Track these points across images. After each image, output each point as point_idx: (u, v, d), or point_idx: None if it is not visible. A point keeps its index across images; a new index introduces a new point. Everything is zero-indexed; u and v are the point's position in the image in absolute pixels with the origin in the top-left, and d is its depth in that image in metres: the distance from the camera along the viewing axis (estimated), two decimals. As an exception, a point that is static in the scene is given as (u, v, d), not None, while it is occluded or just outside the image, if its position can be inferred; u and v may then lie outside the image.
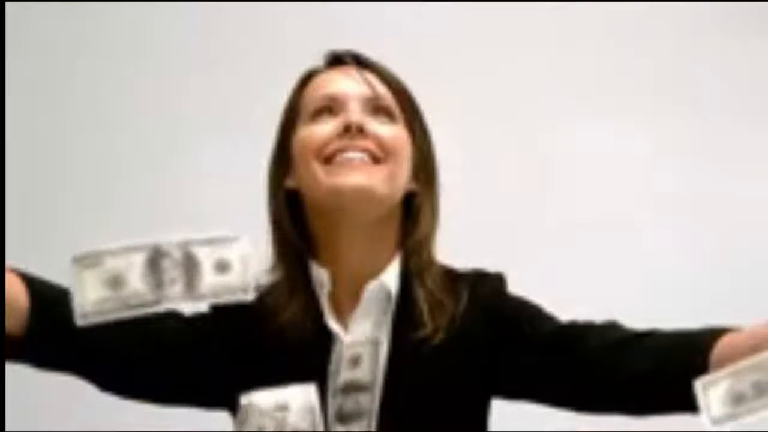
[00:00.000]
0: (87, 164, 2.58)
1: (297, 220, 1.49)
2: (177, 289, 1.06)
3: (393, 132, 1.48)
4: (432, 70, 2.37)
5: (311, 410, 1.11)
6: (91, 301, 1.05)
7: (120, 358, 1.40)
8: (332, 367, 1.41)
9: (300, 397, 1.11)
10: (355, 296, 1.45)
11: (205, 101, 2.59)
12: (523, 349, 1.43)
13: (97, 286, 1.05)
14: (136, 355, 1.41)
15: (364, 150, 1.45)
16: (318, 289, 1.46)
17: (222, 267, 1.07)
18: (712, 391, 1.04)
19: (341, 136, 1.45)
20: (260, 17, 2.62)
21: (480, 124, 2.59)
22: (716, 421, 1.03)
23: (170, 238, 1.06)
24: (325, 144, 1.45)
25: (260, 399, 1.11)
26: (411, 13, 2.62)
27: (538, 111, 2.62)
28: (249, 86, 2.54)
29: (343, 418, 1.39)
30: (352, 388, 1.38)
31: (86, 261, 1.05)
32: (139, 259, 1.06)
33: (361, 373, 1.38)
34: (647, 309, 1.74)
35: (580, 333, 1.42)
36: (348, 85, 1.50)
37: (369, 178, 1.43)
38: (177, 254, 1.06)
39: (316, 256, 1.48)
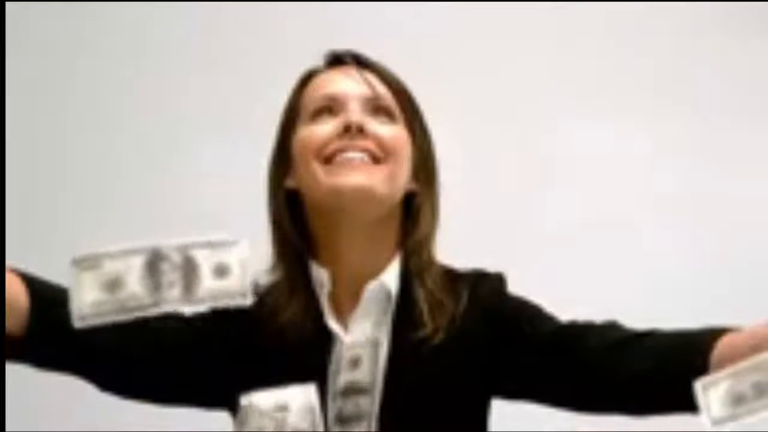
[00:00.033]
0: (87, 164, 2.58)
1: (297, 220, 1.49)
2: (175, 292, 1.06)
3: (393, 132, 1.48)
4: (432, 70, 2.37)
5: (311, 410, 1.11)
6: (88, 303, 1.05)
7: (120, 358, 1.40)
8: (332, 368, 1.41)
9: (300, 397, 1.11)
10: (355, 296, 1.45)
11: (205, 101, 2.59)
12: (523, 349, 1.43)
13: (95, 289, 1.05)
14: (136, 355, 1.41)
15: (364, 150, 1.45)
16: (318, 289, 1.46)
17: (221, 271, 1.07)
18: (712, 391, 1.04)
19: (341, 136, 1.45)
20: (260, 17, 2.62)
21: (480, 124, 2.59)
22: (716, 422, 1.03)
23: (170, 241, 1.06)
24: (325, 144, 1.45)
25: (260, 399, 1.11)
26: (411, 13, 2.62)
27: (538, 111, 2.62)
28: (249, 86, 2.54)
29: (343, 420, 1.39)
30: (352, 390, 1.38)
31: (85, 263, 1.05)
32: (137, 262, 1.05)
33: (361, 375, 1.38)
34: (647, 309, 1.74)
35: (580, 333, 1.42)
36: (348, 85, 1.50)
37: (369, 178, 1.43)
38: (176, 257, 1.06)
39: (316, 256, 1.48)
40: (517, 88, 2.61)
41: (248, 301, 1.08)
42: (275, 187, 1.51)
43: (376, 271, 1.46)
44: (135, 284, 1.05)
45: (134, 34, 2.63)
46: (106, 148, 2.58)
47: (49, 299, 1.31)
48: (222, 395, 1.40)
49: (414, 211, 1.50)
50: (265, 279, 1.49)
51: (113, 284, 1.05)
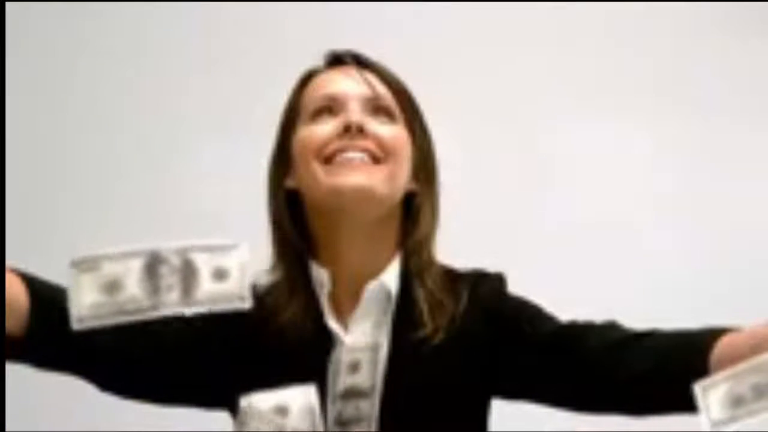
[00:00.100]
0: (87, 164, 2.58)
1: (297, 220, 1.49)
2: (174, 295, 1.05)
3: (393, 132, 1.48)
4: (432, 70, 2.37)
5: (311, 411, 1.11)
6: (87, 306, 1.05)
7: (120, 358, 1.40)
8: (332, 368, 1.41)
9: (300, 398, 1.11)
10: (355, 296, 1.45)
11: (205, 101, 2.59)
12: (523, 349, 1.43)
13: (93, 291, 1.05)
14: (136, 355, 1.41)
15: (364, 150, 1.45)
16: (318, 289, 1.46)
17: (220, 275, 1.06)
18: (711, 393, 1.04)
19: (341, 136, 1.45)
20: (260, 17, 2.62)
21: (480, 124, 2.59)
22: (716, 424, 1.03)
23: (169, 244, 1.06)
24: (325, 144, 1.45)
25: (260, 400, 1.11)
26: (411, 13, 2.62)
27: (538, 111, 2.62)
28: (249, 86, 2.54)
29: (343, 422, 1.39)
30: (352, 394, 1.38)
31: (84, 265, 1.05)
32: (137, 265, 1.05)
33: (361, 379, 1.38)
34: (647, 309, 1.74)
35: (580, 333, 1.42)
36: (348, 85, 1.50)
37: (369, 178, 1.43)
38: (175, 261, 1.06)
39: (316, 256, 1.48)
40: (517, 88, 2.61)
41: (247, 304, 1.08)
42: (275, 187, 1.51)
43: (376, 271, 1.46)
44: (134, 287, 1.05)
45: (134, 34, 2.63)
46: (106, 148, 2.58)
47: (49, 299, 1.31)
48: (222, 395, 1.40)
49: (414, 211, 1.50)
50: (265, 279, 1.49)
51: (112, 286, 1.05)
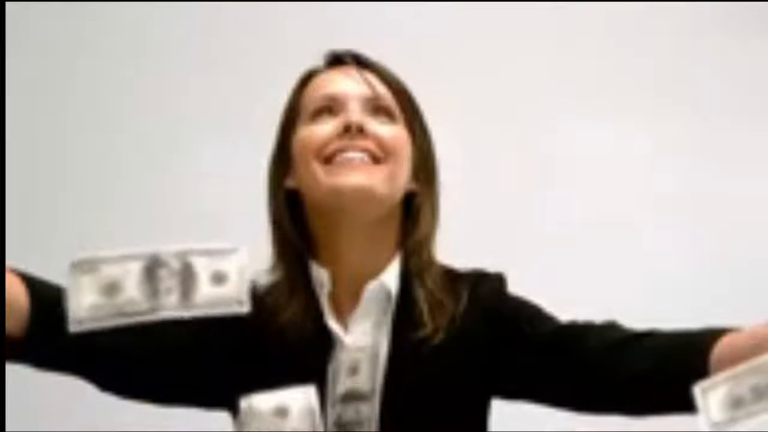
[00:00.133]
0: (87, 164, 2.58)
1: (297, 220, 1.49)
2: (172, 299, 1.05)
3: (393, 132, 1.48)
4: (432, 70, 2.37)
5: (311, 413, 1.10)
6: (85, 307, 1.04)
7: (120, 358, 1.40)
8: (331, 367, 1.41)
9: (300, 399, 1.11)
10: (355, 296, 1.45)
11: (205, 101, 2.59)
12: (523, 349, 1.43)
13: (92, 292, 1.04)
14: (135, 355, 1.41)
15: (364, 150, 1.45)
16: (318, 289, 1.46)
17: (219, 278, 1.06)
18: (710, 395, 1.04)
19: (341, 136, 1.45)
20: (260, 17, 2.62)
21: (480, 124, 2.59)
22: (715, 425, 1.03)
23: (169, 247, 1.06)
24: (325, 144, 1.45)
25: (260, 401, 1.10)
26: (411, 13, 2.62)
27: (538, 111, 2.62)
28: (249, 86, 2.54)
29: (343, 425, 1.39)
30: (352, 396, 1.38)
31: (84, 267, 1.05)
32: (136, 267, 1.05)
33: (361, 382, 1.38)
34: (647, 309, 1.74)
35: (579, 333, 1.42)
36: (348, 85, 1.50)
37: (369, 178, 1.43)
38: (175, 264, 1.05)
39: (316, 256, 1.48)
40: (517, 88, 2.61)
41: (245, 309, 1.08)
42: (275, 187, 1.51)
43: (376, 271, 1.46)
44: (132, 289, 1.05)
45: (134, 34, 2.63)
46: (106, 148, 2.58)
47: (49, 300, 1.31)
48: (222, 395, 1.40)
49: (414, 211, 1.50)
50: (265, 279, 1.49)
51: (111, 289, 1.05)
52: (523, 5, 2.64)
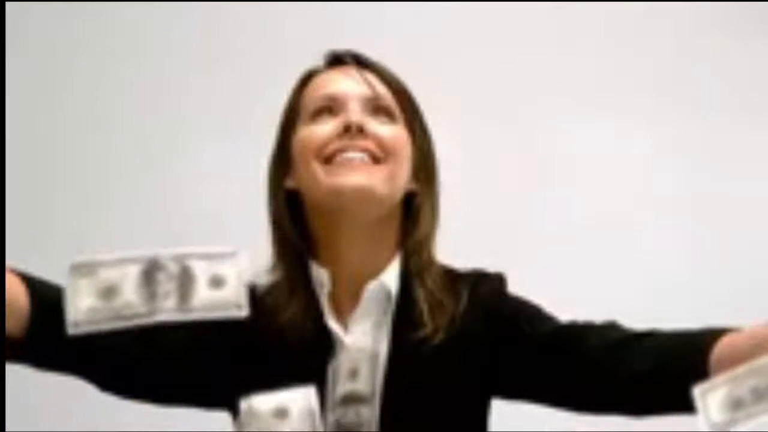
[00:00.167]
0: (87, 164, 2.58)
1: (297, 220, 1.49)
2: (170, 302, 1.05)
3: (393, 132, 1.48)
4: (432, 70, 2.37)
5: (311, 414, 1.10)
6: (82, 311, 1.04)
7: (120, 358, 1.40)
8: (331, 368, 1.41)
9: (300, 400, 1.11)
10: (355, 296, 1.45)
11: (205, 101, 2.59)
12: (523, 349, 1.43)
13: (90, 295, 1.04)
14: (135, 355, 1.40)
15: (364, 150, 1.45)
16: (318, 289, 1.46)
17: (217, 283, 1.06)
18: (710, 397, 1.03)
19: (341, 136, 1.45)
20: (260, 17, 2.62)
21: (480, 124, 2.59)
22: (715, 426, 1.03)
23: (167, 250, 1.05)
24: (325, 144, 1.45)
25: (260, 402, 1.10)
26: (411, 13, 2.62)
27: (538, 111, 2.62)
28: (249, 86, 2.54)
29: (343, 427, 1.38)
30: (352, 399, 1.38)
31: (82, 270, 1.05)
32: (134, 271, 1.05)
33: (360, 385, 1.38)
34: (647, 309, 1.74)
35: (579, 333, 1.42)
36: (348, 85, 1.50)
37: (369, 178, 1.43)
38: (173, 267, 1.05)
39: (316, 256, 1.48)
40: (517, 88, 2.61)
41: (243, 313, 1.08)
42: (275, 187, 1.51)
43: (376, 271, 1.46)
44: (130, 293, 1.05)
45: (134, 34, 2.63)
46: (106, 148, 2.58)
47: (49, 300, 1.31)
48: (222, 395, 1.40)
49: (414, 211, 1.50)
50: (265, 279, 1.49)
51: (109, 292, 1.05)
52: (523, 5, 2.64)
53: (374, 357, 1.39)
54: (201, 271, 1.05)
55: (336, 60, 1.54)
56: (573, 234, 2.55)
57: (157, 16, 2.62)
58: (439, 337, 1.42)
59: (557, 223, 2.56)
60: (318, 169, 1.45)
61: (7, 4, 2.49)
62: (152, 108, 2.59)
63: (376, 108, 1.49)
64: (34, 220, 2.51)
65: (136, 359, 1.41)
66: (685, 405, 1.11)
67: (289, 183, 1.50)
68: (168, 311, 1.04)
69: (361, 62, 1.52)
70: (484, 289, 1.48)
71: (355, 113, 1.46)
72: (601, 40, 2.66)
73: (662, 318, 1.41)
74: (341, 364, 1.39)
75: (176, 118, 2.59)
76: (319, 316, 1.45)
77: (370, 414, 1.38)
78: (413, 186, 1.50)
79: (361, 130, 1.45)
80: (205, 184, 2.55)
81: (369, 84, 1.49)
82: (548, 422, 1.78)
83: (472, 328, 1.44)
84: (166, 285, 1.04)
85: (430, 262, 1.49)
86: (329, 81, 1.51)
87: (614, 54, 2.65)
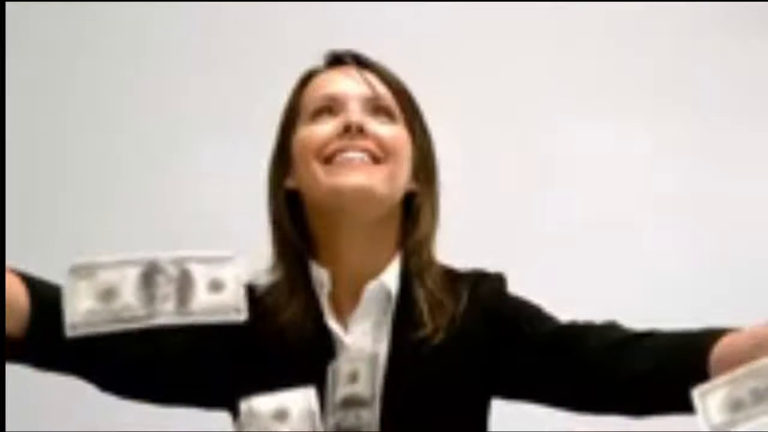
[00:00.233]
0: (87, 164, 2.58)
1: (297, 220, 1.49)
2: (169, 305, 1.05)
3: (393, 132, 1.48)
4: (432, 70, 2.37)
5: (311, 415, 1.11)
6: (81, 313, 1.04)
7: (120, 358, 1.40)
8: (331, 368, 1.41)
9: (300, 401, 1.11)
10: (355, 296, 1.45)
11: (205, 101, 2.59)
12: (523, 349, 1.43)
13: (89, 297, 1.04)
14: (135, 355, 1.40)
15: (364, 150, 1.45)
16: (318, 289, 1.46)
17: (216, 286, 1.06)
18: (710, 398, 1.04)
19: (341, 136, 1.45)
20: (260, 17, 2.62)
21: (480, 124, 2.59)
22: (715, 427, 1.03)
23: (167, 254, 1.05)
24: (325, 144, 1.45)
25: (260, 403, 1.10)
26: (411, 13, 2.62)
27: (538, 111, 2.62)
28: (249, 86, 2.54)
29: (343, 429, 1.38)
30: (352, 402, 1.38)
31: (81, 272, 1.05)
32: (133, 273, 1.05)
33: (360, 388, 1.37)
34: (647, 309, 1.74)
35: (579, 333, 1.42)
36: (348, 85, 1.50)
37: (369, 178, 1.43)
38: (172, 271, 1.05)
39: (316, 256, 1.48)
40: (517, 88, 2.61)
41: (242, 317, 1.08)
42: (275, 187, 1.51)
43: (376, 271, 1.46)
44: (129, 295, 1.05)
45: (134, 34, 2.63)
46: (106, 148, 2.58)
47: (49, 300, 1.30)
48: (222, 396, 1.40)
49: (414, 211, 1.50)
50: (265, 279, 1.49)
51: (107, 294, 1.05)
52: (523, 5, 2.64)
53: (374, 359, 1.39)
54: (200, 275, 1.05)
55: (336, 60, 1.54)
56: (573, 234, 2.55)
57: (157, 16, 2.62)
58: (439, 337, 1.42)
59: (557, 223, 2.56)
60: (318, 169, 1.45)
61: (7, 4, 2.49)
62: (152, 108, 2.60)
63: (376, 108, 1.49)
64: (34, 220, 2.52)
65: (135, 359, 1.41)
66: (684, 405, 1.11)
67: (289, 183, 1.50)
68: (167, 314, 1.05)
69: (361, 62, 1.52)
70: (484, 289, 1.48)
71: (355, 113, 1.46)
72: (601, 40, 2.66)
73: (662, 318, 1.41)
74: (341, 366, 1.39)
75: (176, 118, 2.59)
76: (319, 316, 1.45)
77: (370, 416, 1.38)
78: (413, 186, 1.50)
79: (361, 130, 1.45)
80: (205, 184, 2.55)
81: (369, 84, 1.49)
82: (548, 422, 1.78)
83: (472, 328, 1.44)
84: (165, 288, 1.04)
85: (430, 262, 1.49)
86: (329, 81, 1.51)
87: (614, 54, 2.65)
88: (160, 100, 2.60)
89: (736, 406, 1.03)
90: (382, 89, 1.50)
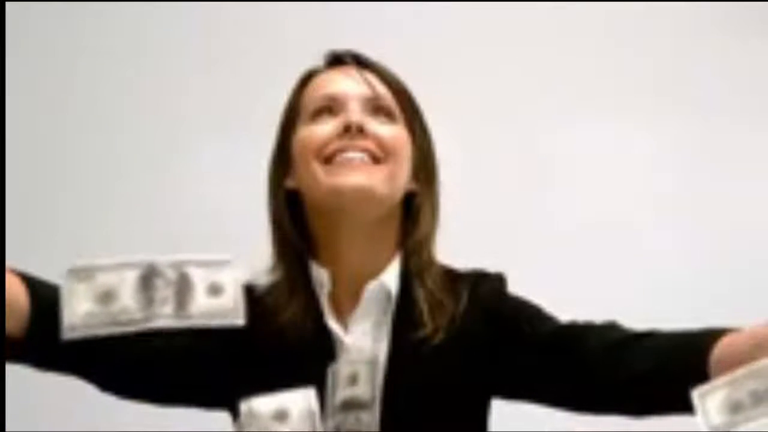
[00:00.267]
0: (87, 164, 2.58)
1: (297, 220, 1.49)
2: (167, 309, 1.05)
3: (393, 132, 1.48)
4: (432, 70, 2.37)
5: (311, 415, 1.11)
6: (79, 315, 1.04)
7: (120, 358, 1.40)
8: (331, 369, 1.41)
9: (300, 402, 1.11)
10: (355, 296, 1.45)
11: (205, 101, 2.59)
12: (523, 349, 1.43)
13: (88, 300, 1.04)
14: (135, 355, 1.40)
15: (364, 150, 1.45)
16: (318, 289, 1.46)
17: (215, 290, 1.06)
18: (709, 400, 1.04)
19: (341, 136, 1.45)
20: (260, 17, 2.62)
21: (480, 124, 2.59)
22: (714, 428, 1.03)
23: (166, 257, 1.05)
24: (325, 144, 1.45)
25: (260, 404, 1.10)
26: (411, 13, 2.62)
27: (538, 111, 2.62)
28: (249, 86, 2.54)
29: (342, 430, 1.38)
30: (352, 405, 1.38)
31: (80, 274, 1.04)
32: (132, 276, 1.05)
33: (360, 390, 1.37)
34: (647, 309, 1.74)
35: (579, 333, 1.42)
36: (348, 85, 1.50)
37: (369, 178, 1.43)
38: (171, 274, 1.05)
39: (316, 256, 1.48)
40: (517, 88, 2.61)
41: (241, 321, 1.07)
42: (275, 187, 1.51)
43: (376, 271, 1.46)
44: (128, 298, 1.04)
45: (134, 34, 2.63)
46: (106, 148, 2.58)
47: (49, 300, 1.30)
48: (222, 396, 1.40)
49: (414, 211, 1.50)
50: (265, 279, 1.49)
51: (106, 297, 1.05)
52: (523, 5, 2.64)
53: (373, 361, 1.39)
54: (199, 279, 1.05)
55: (336, 60, 1.54)
56: (573, 234, 2.55)
57: (157, 16, 2.62)
58: (439, 337, 1.42)
59: (557, 223, 2.56)
60: (318, 169, 1.44)
61: (7, 4, 2.49)
62: (152, 108, 2.60)
63: (376, 108, 1.49)
64: (34, 220, 2.51)
65: (135, 359, 1.41)
66: (684, 405, 1.11)
67: (289, 183, 1.50)
68: (165, 318, 1.04)
69: (361, 62, 1.52)
70: (484, 289, 1.48)
71: (355, 113, 1.46)
72: (601, 40, 2.66)
73: (662, 318, 1.41)
74: (340, 368, 1.39)
75: (176, 118, 2.59)
76: (319, 316, 1.45)
77: (370, 419, 1.38)
78: (413, 186, 1.50)
79: (361, 130, 1.45)
80: (205, 184, 2.55)
81: (369, 84, 1.49)
82: (548, 422, 1.78)
83: (472, 328, 1.44)
84: (164, 291, 1.04)
85: (430, 262, 1.49)
86: (329, 81, 1.51)
87: (614, 54, 2.65)
88: (160, 100, 2.60)
89: (735, 407, 1.03)
90: (382, 89, 1.50)
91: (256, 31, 2.62)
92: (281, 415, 1.10)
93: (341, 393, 1.34)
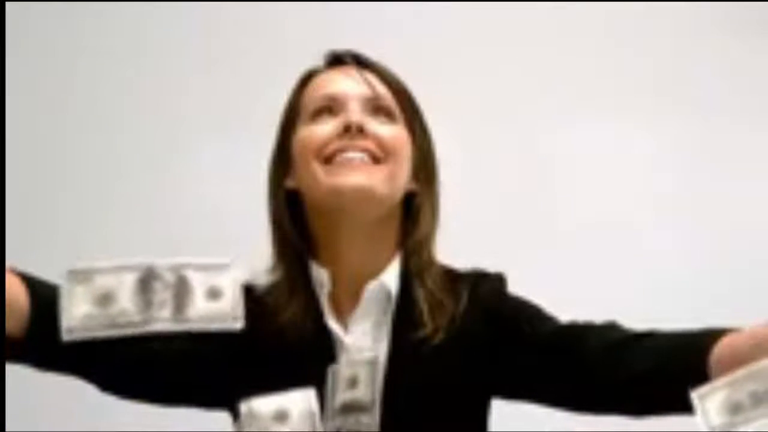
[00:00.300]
0: (87, 164, 2.58)
1: (297, 220, 1.49)
2: (166, 312, 1.05)
3: (393, 132, 1.48)
4: (432, 70, 2.37)
5: (311, 416, 1.11)
6: (78, 317, 1.04)
7: (119, 358, 1.40)
8: (331, 369, 1.41)
9: (300, 402, 1.11)
10: (355, 296, 1.45)
11: (205, 101, 2.59)
12: (523, 349, 1.43)
13: (86, 302, 1.04)
14: (135, 355, 1.40)
15: (364, 150, 1.45)
16: (318, 289, 1.46)
17: (213, 294, 1.06)
18: (709, 401, 1.04)
19: (341, 136, 1.45)
20: (260, 17, 2.62)
21: (480, 124, 2.59)
22: (714, 428, 1.03)
23: (164, 260, 1.05)
24: (325, 144, 1.45)
25: (260, 405, 1.10)
26: (411, 13, 2.62)
27: (538, 111, 2.62)
28: (249, 86, 2.54)
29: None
30: (352, 408, 1.38)
31: (79, 276, 1.04)
32: (130, 279, 1.05)
33: (360, 393, 1.37)
34: (647, 309, 1.74)
35: (579, 333, 1.42)
36: (348, 85, 1.50)
37: (369, 178, 1.43)
38: (169, 277, 1.05)
39: (316, 256, 1.48)
40: (517, 88, 2.61)
41: (239, 325, 1.07)
42: (275, 187, 1.51)
43: (376, 271, 1.46)
44: (126, 300, 1.04)
45: (134, 34, 2.63)
46: (106, 148, 2.58)
47: (49, 300, 1.30)
48: (222, 396, 1.40)
49: (414, 211, 1.50)
50: (265, 279, 1.49)
51: (104, 299, 1.05)
52: (523, 5, 2.64)
53: (373, 362, 1.39)
54: (198, 282, 1.05)
55: (336, 60, 1.54)
56: (573, 234, 2.55)
57: (157, 16, 2.62)
58: (439, 337, 1.42)
59: (557, 223, 2.56)
60: (318, 169, 1.45)
61: (7, 4, 2.49)
62: (152, 108, 2.60)
63: (376, 108, 1.49)
64: (34, 220, 2.51)
65: (135, 360, 1.41)
66: (684, 405, 1.11)
67: (289, 183, 1.50)
68: (163, 321, 1.04)
69: (361, 62, 1.52)
70: (484, 289, 1.48)
71: (355, 113, 1.46)
72: (601, 40, 2.66)
73: (662, 318, 1.41)
74: (340, 370, 1.39)
75: (176, 118, 2.59)
76: (319, 316, 1.45)
77: (370, 420, 1.38)
78: (413, 186, 1.50)
79: (361, 130, 1.45)
80: (205, 184, 2.55)
81: (369, 84, 1.49)
82: (548, 422, 1.78)
83: (472, 328, 1.44)
84: (162, 294, 1.04)
85: (430, 262, 1.49)
86: (329, 81, 1.51)
87: (614, 54, 2.65)
88: (160, 100, 2.59)
89: (734, 408, 1.03)
90: (382, 89, 1.50)
91: (256, 31, 2.62)
92: (281, 416, 1.10)
93: (341, 395, 1.34)
